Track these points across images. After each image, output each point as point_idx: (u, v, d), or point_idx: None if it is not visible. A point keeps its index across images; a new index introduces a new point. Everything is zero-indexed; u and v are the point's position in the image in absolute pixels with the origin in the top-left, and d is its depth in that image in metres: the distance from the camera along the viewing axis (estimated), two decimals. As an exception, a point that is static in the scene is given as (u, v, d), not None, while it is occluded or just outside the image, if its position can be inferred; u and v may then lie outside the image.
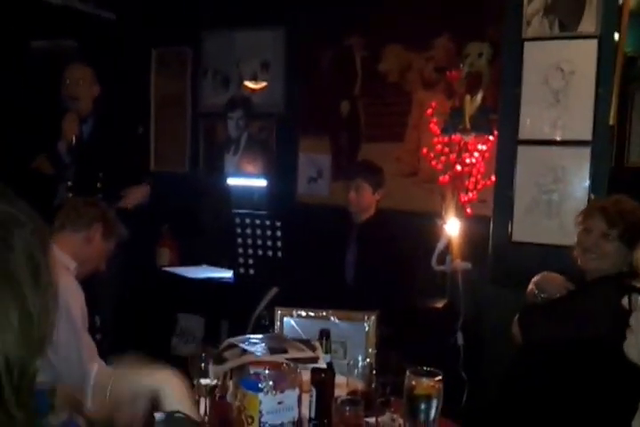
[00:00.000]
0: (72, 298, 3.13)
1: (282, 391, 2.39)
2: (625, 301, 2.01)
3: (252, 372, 2.45)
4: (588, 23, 4.31)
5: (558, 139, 4.44)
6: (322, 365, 2.79)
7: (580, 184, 4.38)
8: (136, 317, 5.18)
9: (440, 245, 5.13)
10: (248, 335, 2.98)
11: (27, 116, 5.54)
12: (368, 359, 3.21)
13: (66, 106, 5.10)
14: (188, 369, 2.87)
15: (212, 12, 6.59)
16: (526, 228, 4.54)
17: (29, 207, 1.05)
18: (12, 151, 5.18)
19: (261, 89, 6.61)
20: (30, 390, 0.98)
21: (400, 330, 4.25)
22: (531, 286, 3.66)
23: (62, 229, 3.39)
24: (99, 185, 4.98)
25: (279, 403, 2.40)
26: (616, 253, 3.29)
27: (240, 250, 5.07)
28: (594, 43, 4.31)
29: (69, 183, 4.89)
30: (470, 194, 5.28)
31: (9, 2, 5.75)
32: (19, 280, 0.96)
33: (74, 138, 5.00)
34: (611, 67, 4.35)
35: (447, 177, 5.34)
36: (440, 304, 5.14)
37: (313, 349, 2.89)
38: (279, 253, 4.95)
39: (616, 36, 4.38)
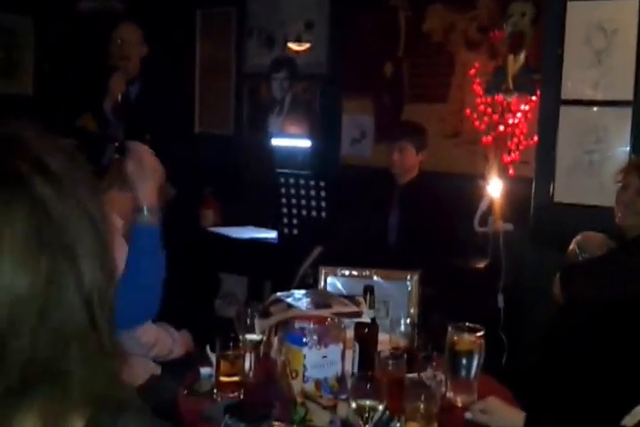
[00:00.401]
0: (119, 255, 3.20)
1: (326, 346, 2.46)
2: None
3: (296, 326, 2.52)
4: (630, -18, 4.29)
5: (600, 99, 4.43)
6: (365, 319, 2.85)
7: (621, 144, 4.38)
8: (180, 277, 5.25)
9: (482, 207, 5.15)
10: (293, 291, 3.04)
11: (75, 74, 5.60)
12: (410, 319, 3.28)
13: (114, 65, 5.14)
14: (234, 327, 2.94)
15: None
16: (568, 188, 4.54)
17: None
18: (60, 109, 5.25)
19: (305, 50, 6.61)
20: (112, 322, 1.01)
21: (442, 291, 4.29)
22: (572, 246, 3.68)
23: (110, 189, 3.43)
24: (147, 137, 5.02)
25: (323, 357, 2.46)
26: None
27: (284, 210, 5.11)
28: (636, 2, 4.28)
29: (117, 144, 4.95)
30: (513, 155, 5.28)
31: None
32: (93, 215, 0.98)
33: (119, 97, 5.04)
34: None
35: (490, 138, 5.34)
36: (481, 265, 5.16)
37: (357, 304, 2.94)
38: (323, 214, 4.99)
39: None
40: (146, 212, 2.59)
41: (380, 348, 2.84)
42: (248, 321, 2.81)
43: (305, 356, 2.44)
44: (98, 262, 0.97)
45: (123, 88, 5.06)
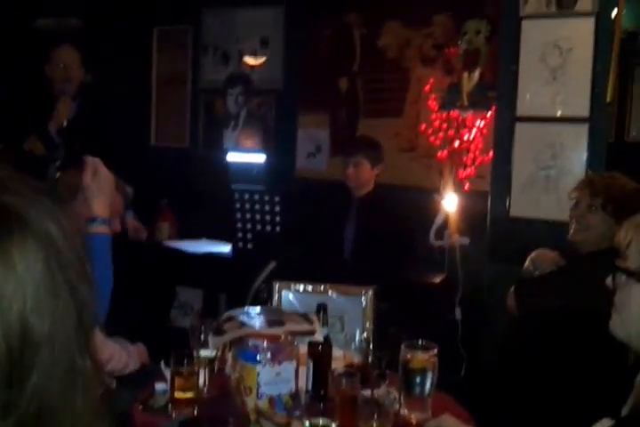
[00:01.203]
0: None
1: (279, 363, 2.45)
2: (609, 280, 2.04)
3: (250, 344, 2.50)
4: (585, 1, 4.32)
5: (556, 115, 4.46)
6: (319, 338, 2.84)
7: (577, 160, 4.41)
8: (136, 289, 5.21)
9: (438, 221, 5.18)
10: (247, 308, 3.02)
11: (22, 96, 5.57)
12: (365, 334, 3.27)
13: (57, 88, 5.14)
14: (188, 340, 2.93)
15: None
16: (524, 203, 4.57)
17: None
18: (6, 132, 5.21)
19: (260, 65, 6.62)
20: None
21: (398, 305, 4.29)
22: (527, 263, 3.72)
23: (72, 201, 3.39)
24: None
25: (277, 375, 2.45)
26: (602, 226, 3.35)
27: (239, 225, 5.10)
28: (591, 20, 4.32)
29: (58, 162, 4.92)
30: (468, 169, 5.31)
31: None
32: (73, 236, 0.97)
33: (65, 121, 5.04)
34: (608, 44, 4.35)
35: (445, 153, 5.38)
36: (438, 279, 5.18)
37: (310, 322, 2.93)
38: (277, 228, 4.99)
39: (614, 12, 4.39)
40: (98, 221, 2.58)
41: (334, 364, 2.83)
42: (202, 337, 2.81)
43: (259, 373, 2.43)
44: (88, 285, 0.97)
45: (69, 111, 5.06)
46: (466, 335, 4.89)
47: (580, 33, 4.37)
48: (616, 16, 4.37)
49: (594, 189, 3.40)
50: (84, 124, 5.14)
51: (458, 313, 4.95)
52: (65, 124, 5.04)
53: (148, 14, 6.78)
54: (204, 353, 2.83)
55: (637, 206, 2.12)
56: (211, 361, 2.84)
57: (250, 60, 6.64)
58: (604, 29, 4.33)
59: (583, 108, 4.36)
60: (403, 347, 2.63)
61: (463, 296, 5.00)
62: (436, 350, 2.64)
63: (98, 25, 6.26)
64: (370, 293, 3.43)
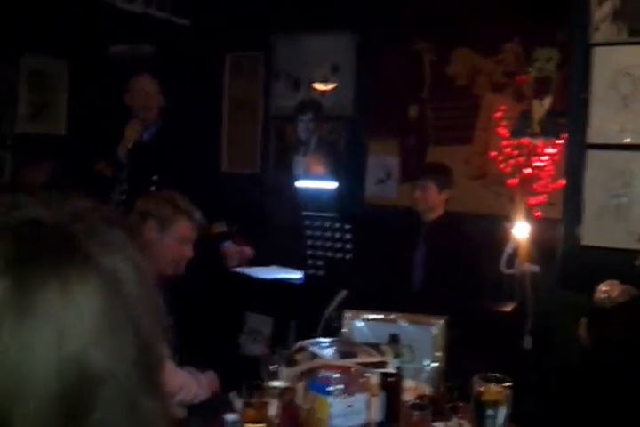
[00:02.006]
0: None
1: (351, 395, 2.44)
2: None
3: (321, 375, 2.51)
4: (658, 28, 4.31)
5: (627, 143, 4.43)
6: (391, 369, 2.84)
7: (649, 188, 4.38)
8: (207, 316, 5.25)
9: (508, 249, 5.14)
10: (318, 339, 3.03)
11: (99, 118, 5.70)
12: (436, 363, 3.27)
13: (132, 113, 5.24)
14: (258, 369, 2.95)
15: (284, 17, 6.67)
16: (595, 231, 4.54)
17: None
18: (80, 154, 5.35)
19: (331, 91, 6.67)
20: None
21: (468, 333, 4.27)
22: (598, 294, 3.69)
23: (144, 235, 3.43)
24: (152, 188, 5.09)
25: (348, 406, 2.45)
26: None
27: (309, 251, 5.13)
28: (662, 48, 4.32)
29: (124, 185, 5.03)
30: (539, 197, 5.28)
31: (90, 9, 5.90)
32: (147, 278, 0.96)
33: (131, 143, 5.14)
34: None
35: (516, 180, 5.36)
36: (508, 308, 5.14)
37: (382, 353, 2.93)
38: (348, 255, 5.00)
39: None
40: None
41: (405, 395, 2.83)
42: (273, 368, 2.82)
43: (330, 404, 2.42)
44: (156, 323, 0.96)
45: (137, 135, 5.17)
46: (536, 364, 4.84)
47: (651, 60, 4.35)
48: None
49: None
50: (158, 149, 5.23)
51: (528, 342, 4.90)
52: (130, 146, 5.14)
53: (220, 41, 6.88)
54: (276, 384, 2.83)
55: None
56: (282, 392, 2.83)
57: (320, 87, 6.70)
58: (675, 57, 4.31)
59: (654, 136, 4.34)
60: (475, 379, 2.63)
61: (533, 324, 4.95)
62: (509, 383, 2.62)
63: (170, 51, 6.37)
64: (441, 322, 3.42)
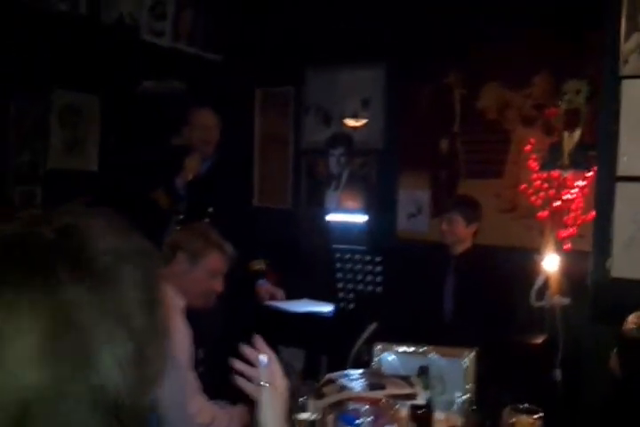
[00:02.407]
0: (177, 337, 3.15)
1: (381, 427, 2.46)
2: None
3: (350, 407, 2.52)
4: (686, 60, 4.32)
5: (657, 175, 4.44)
6: (420, 401, 2.85)
7: (678, 221, 4.38)
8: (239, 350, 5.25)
9: (539, 281, 5.14)
10: (347, 371, 3.04)
11: (144, 151, 5.79)
12: (467, 395, 3.27)
13: (192, 147, 5.33)
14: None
15: (314, 51, 6.76)
16: (625, 264, 4.52)
17: (144, 240, 1.06)
18: (127, 184, 5.42)
19: (362, 126, 6.73)
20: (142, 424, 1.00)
21: (499, 365, 4.27)
22: (627, 325, 3.67)
23: (175, 264, 3.47)
24: (207, 220, 5.18)
25: (378, 438, 2.46)
26: None
27: (340, 285, 5.15)
28: (691, 81, 4.32)
29: (180, 217, 5.10)
30: (569, 229, 5.29)
31: (120, 43, 6.00)
32: (130, 316, 0.97)
33: (192, 176, 5.24)
34: None
35: (546, 212, 5.36)
36: (539, 340, 5.13)
37: (411, 385, 2.94)
38: (378, 288, 5.03)
39: None
40: None
41: (436, 427, 2.84)
42: (301, 400, 2.81)
43: (360, 436, 2.44)
44: (128, 368, 0.96)
45: (198, 168, 5.26)
46: (566, 397, 4.82)
47: (680, 93, 4.36)
48: None
49: None
50: (214, 182, 5.34)
51: (558, 374, 4.89)
52: (190, 178, 5.23)
53: (250, 75, 6.96)
54: (304, 416, 2.80)
55: None
56: (310, 425, 2.82)
57: (351, 122, 6.76)
58: None
59: (683, 168, 4.34)
60: (507, 410, 2.63)
61: (564, 357, 4.94)
62: (541, 414, 2.63)
63: (201, 86, 6.46)
64: (472, 354, 3.43)
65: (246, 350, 1.61)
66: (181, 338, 3.22)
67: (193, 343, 3.31)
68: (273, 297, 5.59)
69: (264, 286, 5.60)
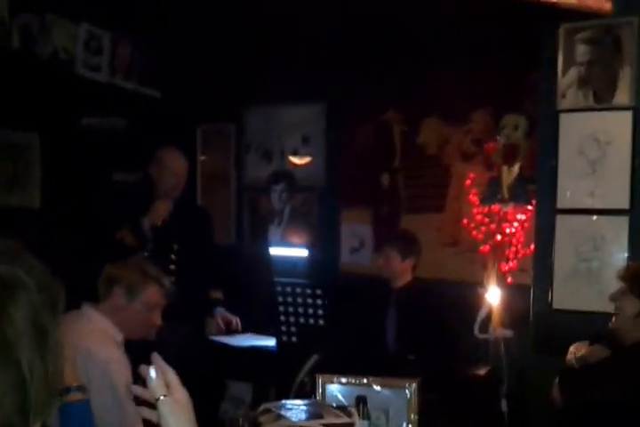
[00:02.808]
0: (116, 369, 3.16)
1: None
2: None
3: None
4: (623, 95, 4.38)
5: (596, 208, 4.47)
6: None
7: (619, 252, 4.41)
8: (186, 383, 5.18)
9: (482, 314, 5.16)
10: (284, 401, 3.00)
11: (87, 188, 5.75)
12: (409, 425, 3.24)
13: (163, 191, 5.34)
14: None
15: (254, 89, 6.78)
16: (567, 295, 4.55)
17: (45, 268, 1.11)
18: (98, 222, 5.37)
19: (304, 164, 6.75)
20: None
21: (444, 397, 4.26)
22: (569, 356, 3.70)
23: (100, 301, 3.45)
24: (173, 257, 5.19)
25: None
26: (631, 308, 3.39)
27: (282, 318, 5.13)
28: (628, 114, 4.37)
29: (146, 253, 5.06)
30: (511, 263, 5.33)
31: (58, 81, 5.95)
32: (16, 346, 0.99)
33: (161, 221, 5.27)
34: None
35: (488, 247, 5.40)
36: (483, 371, 5.14)
37: (349, 415, 2.90)
38: (321, 321, 5.01)
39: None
40: (72, 390, 2.46)
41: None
42: None
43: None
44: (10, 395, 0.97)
45: (167, 214, 5.28)
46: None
47: (618, 126, 4.41)
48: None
49: (627, 274, 3.46)
50: (175, 225, 5.34)
51: (504, 405, 4.88)
52: (160, 224, 5.24)
53: (190, 113, 6.95)
54: None
55: None
56: None
57: (295, 160, 6.79)
58: (641, 123, 4.38)
59: (623, 201, 4.38)
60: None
61: (509, 389, 4.95)
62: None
63: (141, 124, 6.43)
64: (414, 385, 3.40)
65: (140, 368, 1.56)
66: (120, 369, 3.18)
67: (133, 374, 3.26)
68: (229, 324, 5.60)
69: (221, 313, 5.60)
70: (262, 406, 2.93)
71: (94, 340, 3.24)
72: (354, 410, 2.93)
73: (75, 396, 2.46)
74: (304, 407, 2.89)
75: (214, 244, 5.68)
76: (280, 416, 2.79)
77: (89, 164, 5.92)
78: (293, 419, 2.76)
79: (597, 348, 3.64)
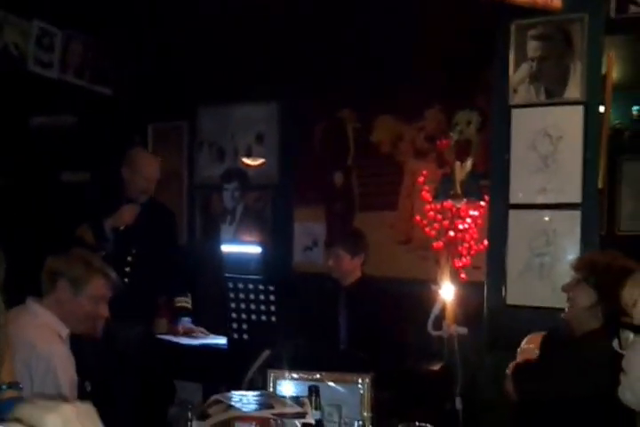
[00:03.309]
0: (60, 365, 3.08)
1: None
2: (615, 343, 2.00)
3: (237, 429, 2.41)
4: (574, 90, 4.42)
5: (548, 202, 4.48)
6: (310, 420, 2.76)
7: (571, 246, 4.42)
8: (134, 385, 5.12)
9: (435, 311, 5.13)
10: (234, 392, 2.95)
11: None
12: (363, 422, 3.19)
13: (131, 193, 5.24)
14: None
15: (207, 87, 6.73)
16: (520, 291, 4.56)
17: None
18: (58, 220, 5.27)
19: (258, 166, 6.70)
20: None
21: (397, 395, 4.22)
22: (522, 345, 3.70)
23: (44, 294, 3.35)
24: (129, 259, 5.11)
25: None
26: (586, 299, 3.36)
27: (234, 315, 5.06)
28: (579, 109, 4.42)
29: (103, 253, 4.95)
30: (464, 259, 5.32)
31: (8, 77, 5.85)
32: None
33: (124, 226, 5.13)
34: (597, 132, 4.45)
35: (441, 243, 5.39)
36: (436, 367, 5.12)
37: (301, 405, 2.86)
38: (273, 318, 4.95)
39: (602, 108, 4.50)
40: (3, 388, 2.39)
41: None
42: (188, 424, 2.66)
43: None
44: None
45: (132, 219, 5.15)
46: (467, 425, 4.79)
47: (569, 121, 4.45)
48: (605, 110, 4.47)
49: (581, 264, 3.45)
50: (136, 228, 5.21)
51: (458, 403, 4.86)
52: (123, 227, 5.12)
53: (142, 110, 6.88)
54: None
55: (617, 279, 2.08)
56: None
57: (248, 161, 6.74)
58: (592, 117, 4.42)
59: (575, 195, 4.41)
60: (400, 428, 2.57)
61: (463, 385, 4.92)
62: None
63: (91, 122, 6.33)
64: (367, 380, 3.36)
65: None
66: (64, 365, 3.11)
67: (78, 373, 3.19)
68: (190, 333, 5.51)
69: (185, 324, 5.51)
70: (212, 398, 2.87)
71: (39, 335, 3.15)
72: (306, 400, 2.88)
73: (8, 393, 2.38)
74: (254, 398, 2.84)
75: (178, 248, 5.58)
76: (230, 407, 2.72)
77: (38, 161, 5.82)
78: (244, 409, 2.70)
79: (529, 348, 3.66)
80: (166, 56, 6.73)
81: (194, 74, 6.75)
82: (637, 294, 1.92)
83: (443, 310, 5.07)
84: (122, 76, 6.65)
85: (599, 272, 3.34)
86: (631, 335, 1.92)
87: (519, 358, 3.69)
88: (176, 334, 5.49)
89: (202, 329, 5.57)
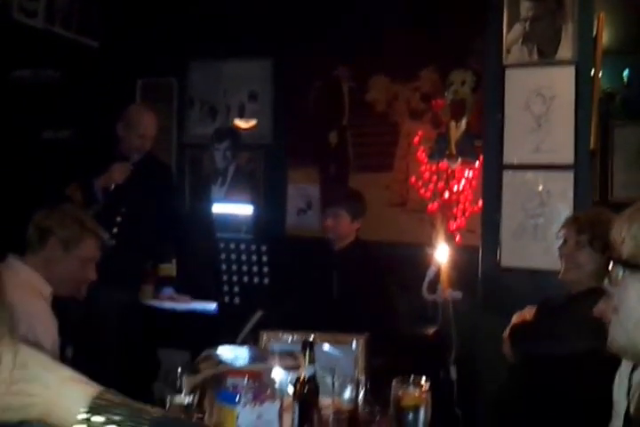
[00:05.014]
0: (41, 325, 2.97)
1: (261, 404, 2.29)
2: (606, 283, 1.95)
3: (229, 384, 2.37)
4: (566, 50, 4.42)
5: (541, 163, 4.45)
6: (304, 373, 2.70)
7: (564, 208, 4.39)
8: (117, 352, 5.02)
9: (430, 274, 5.08)
10: (226, 346, 2.90)
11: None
12: (357, 382, 3.15)
13: (124, 150, 5.13)
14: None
15: (199, 43, 6.60)
16: (514, 253, 4.53)
17: None
18: (49, 177, 5.15)
19: (250, 128, 6.62)
20: None
21: (392, 361, 4.18)
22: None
23: (29, 252, 3.25)
24: (118, 219, 5.01)
25: (258, 417, 2.29)
26: (591, 263, 3.30)
27: (225, 277, 4.99)
28: (571, 69, 4.42)
29: (90, 212, 4.85)
30: (459, 221, 5.29)
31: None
32: None
33: (114, 185, 5.00)
34: (589, 93, 4.44)
35: (436, 205, 5.35)
36: (430, 331, 5.09)
37: (295, 358, 2.81)
38: (265, 280, 4.89)
39: (593, 70, 4.48)
40: None
41: (323, 412, 2.71)
42: (178, 382, 2.60)
43: (238, 415, 2.26)
44: None
45: (123, 178, 5.01)
46: (462, 395, 4.74)
47: (561, 81, 4.45)
48: (595, 72, 4.44)
49: (580, 226, 3.37)
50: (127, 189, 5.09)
51: (453, 372, 4.81)
52: (112, 187, 4.99)
53: (131, 66, 6.70)
54: (178, 400, 2.56)
55: None
56: (186, 408, 2.55)
57: (241, 124, 6.65)
58: (584, 77, 4.42)
59: (568, 156, 4.39)
60: (394, 383, 2.51)
61: (458, 351, 4.88)
62: (428, 385, 2.52)
63: (77, 76, 6.17)
64: (361, 340, 3.32)
65: None
66: (46, 323, 3.03)
67: (60, 336, 3.11)
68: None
69: (168, 294, 5.45)
70: (203, 353, 2.81)
71: (20, 293, 3.01)
72: (299, 354, 2.81)
73: None
74: (246, 353, 2.79)
75: (173, 206, 5.46)
76: (221, 362, 2.67)
77: (18, 117, 5.65)
78: (235, 364, 2.65)
79: (525, 312, 3.64)
80: (157, 8, 6.59)
81: (185, 27, 6.62)
82: (626, 230, 1.87)
83: (437, 273, 5.03)
84: (110, 29, 6.47)
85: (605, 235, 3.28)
86: (621, 272, 1.88)
87: (515, 320, 3.66)
88: (145, 297, 5.45)
89: (186, 298, 5.50)
